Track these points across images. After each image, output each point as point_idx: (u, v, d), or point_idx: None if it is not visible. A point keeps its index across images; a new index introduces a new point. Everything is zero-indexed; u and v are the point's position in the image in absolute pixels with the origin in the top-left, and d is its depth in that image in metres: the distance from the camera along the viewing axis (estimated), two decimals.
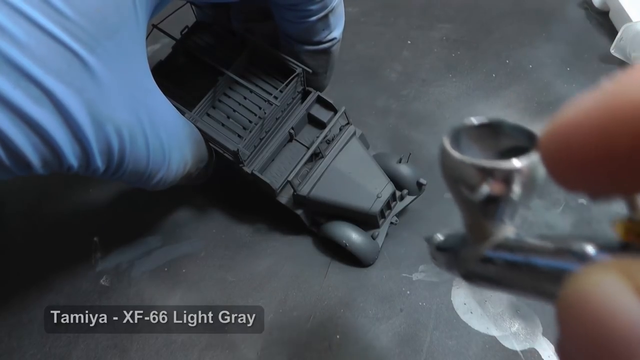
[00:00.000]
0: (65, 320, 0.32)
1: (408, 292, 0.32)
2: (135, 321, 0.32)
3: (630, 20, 0.42)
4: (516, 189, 0.12)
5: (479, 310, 0.31)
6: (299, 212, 0.33)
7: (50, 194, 0.37)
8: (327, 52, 0.31)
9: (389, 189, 0.31)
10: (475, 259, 0.14)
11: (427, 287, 0.32)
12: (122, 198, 0.37)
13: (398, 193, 0.33)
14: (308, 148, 0.32)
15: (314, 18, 0.28)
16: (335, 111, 0.33)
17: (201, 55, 0.30)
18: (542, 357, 0.29)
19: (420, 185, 0.33)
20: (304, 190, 0.31)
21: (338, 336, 0.30)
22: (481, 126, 0.13)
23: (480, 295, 0.32)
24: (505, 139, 0.13)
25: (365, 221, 0.32)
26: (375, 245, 0.33)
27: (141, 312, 0.32)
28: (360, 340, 0.30)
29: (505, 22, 0.47)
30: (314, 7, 0.27)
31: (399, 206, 0.33)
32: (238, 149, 0.28)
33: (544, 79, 0.43)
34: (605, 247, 0.10)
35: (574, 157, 0.09)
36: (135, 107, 0.21)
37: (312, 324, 0.31)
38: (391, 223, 0.33)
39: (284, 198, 0.32)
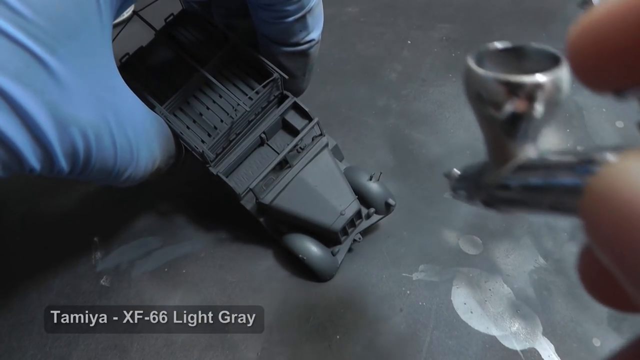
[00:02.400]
0: (65, 320, 0.32)
1: (408, 292, 0.32)
2: (135, 321, 0.32)
3: None
4: (539, 106, 0.12)
5: (479, 310, 0.31)
6: (261, 219, 0.32)
7: (50, 194, 0.37)
8: (305, 54, 0.31)
9: (353, 206, 0.31)
10: (497, 181, 0.14)
11: (427, 287, 0.32)
12: (122, 198, 0.37)
13: (365, 211, 0.32)
14: (278, 154, 0.31)
15: (290, 19, 0.27)
16: (311, 119, 0.32)
17: (180, 49, 0.30)
18: (542, 356, 0.29)
19: (388, 206, 0.33)
20: (267, 198, 0.31)
21: (338, 336, 0.30)
22: (505, 50, 0.13)
23: (480, 295, 0.32)
24: (529, 62, 0.13)
25: (327, 236, 0.32)
26: (335, 261, 0.32)
27: (141, 312, 0.32)
28: (360, 340, 0.30)
29: (505, 22, 0.47)
30: (290, 8, 0.27)
31: (364, 224, 0.33)
32: (203, 150, 0.28)
33: None
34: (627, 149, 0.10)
35: (603, 49, 0.09)
36: (100, 107, 0.21)
37: (312, 324, 0.31)
38: (354, 240, 0.33)
39: (249, 203, 0.31)
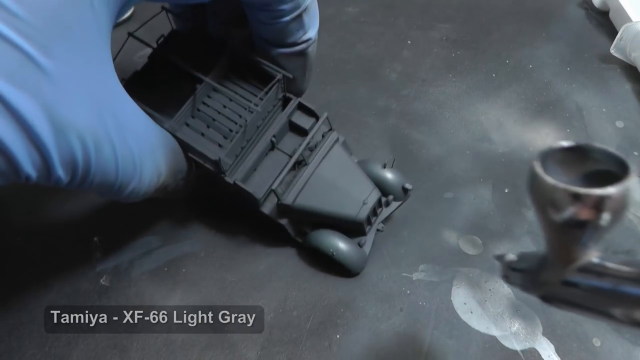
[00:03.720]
0: (65, 320, 0.32)
1: (408, 292, 0.32)
2: (135, 321, 0.32)
3: (630, 20, 0.42)
4: (606, 215, 0.12)
5: (479, 310, 0.31)
6: (283, 221, 0.32)
7: (51, 194, 0.37)
8: (303, 53, 0.31)
9: (375, 194, 0.31)
10: (557, 281, 0.14)
11: (427, 286, 0.32)
12: None
13: (384, 199, 0.32)
14: (290, 156, 0.31)
15: (287, 18, 0.27)
16: (317, 117, 0.32)
17: (179, 61, 0.29)
18: (542, 356, 0.29)
19: (405, 190, 0.33)
20: (288, 199, 0.30)
21: (338, 336, 0.30)
22: (568, 149, 0.13)
23: (480, 295, 0.32)
24: (592, 162, 0.13)
25: (352, 229, 0.32)
26: (363, 253, 0.32)
27: (141, 312, 0.32)
28: (360, 340, 0.30)
29: (505, 22, 0.47)
30: (286, 7, 0.27)
31: (384, 212, 0.33)
32: (220, 158, 0.28)
33: (544, 78, 0.43)
34: None
35: None
36: (99, 112, 0.20)
37: (312, 324, 0.31)
38: (377, 230, 0.33)
39: (267, 208, 0.31)
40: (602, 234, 0.13)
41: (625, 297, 0.11)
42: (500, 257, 0.18)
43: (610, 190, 0.12)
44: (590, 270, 0.13)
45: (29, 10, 0.16)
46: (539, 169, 0.13)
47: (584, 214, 0.12)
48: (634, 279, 0.11)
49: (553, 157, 0.13)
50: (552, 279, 0.14)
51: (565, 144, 0.13)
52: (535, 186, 0.13)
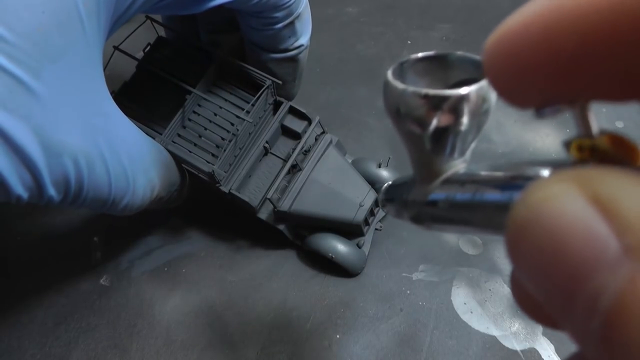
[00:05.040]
0: (65, 320, 0.32)
1: (408, 292, 0.32)
2: (135, 321, 0.32)
3: None
4: (464, 119, 0.11)
5: (479, 310, 0.31)
6: (281, 227, 0.32)
7: None
8: (294, 59, 0.31)
9: (371, 196, 0.31)
10: (423, 199, 0.13)
11: (427, 286, 0.32)
12: None
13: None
14: (285, 161, 0.31)
15: (279, 25, 0.27)
16: (309, 120, 0.32)
17: (166, 74, 0.29)
18: (542, 356, 0.29)
19: None
20: (284, 205, 0.31)
21: (338, 336, 0.30)
22: (428, 59, 0.12)
23: (480, 295, 0.32)
24: (454, 71, 0.12)
25: (350, 231, 0.32)
26: (362, 253, 0.32)
27: (141, 311, 0.32)
28: (360, 340, 0.30)
29: None
30: (279, 14, 0.27)
31: (382, 212, 0.33)
32: (213, 170, 0.28)
33: None
34: (560, 168, 0.09)
35: (519, 63, 0.09)
36: (91, 133, 0.20)
37: (312, 324, 0.31)
38: (376, 229, 0.33)
39: (264, 214, 0.31)
40: (465, 141, 0.12)
41: (481, 204, 0.11)
42: (377, 188, 0.18)
43: (464, 90, 0.11)
44: (455, 181, 0.12)
45: (18, 35, 0.16)
46: (390, 77, 0.12)
47: (440, 119, 0.11)
48: (491, 183, 0.10)
49: (413, 69, 0.13)
50: (418, 198, 0.13)
51: (422, 54, 0.12)
52: (387, 94, 0.12)
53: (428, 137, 0.12)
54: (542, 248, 0.08)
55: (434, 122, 0.11)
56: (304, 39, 0.30)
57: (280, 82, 0.30)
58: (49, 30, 0.17)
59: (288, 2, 0.26)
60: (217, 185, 0.29)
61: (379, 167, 0.33)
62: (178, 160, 0.29)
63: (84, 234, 0.35)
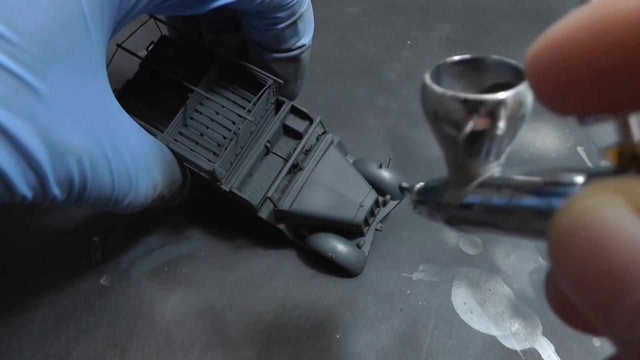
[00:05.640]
0: (65, 319, 0.32)
1: (408, 292, 0.32)
2: (135, 321, 0.32)
3: None
4: (501, 123, 0.11)
5: (479, 310, 0.31)
6: (281, 226, 0.32)
7: None
8: (296, 59, 0.31)
9: (371, 196, 0.31)
10: (458, 202, 0.13)
11: (427, 286, 0.32)
12: None
13: (381, 199, 0.32)
14: (286, 160, 0.31)
15: (282, 25, 0.27)
16: (311, 120, 0.32)
17: (169, 73, 0.29)
18: (542, 356, 0.29)
19: (402, 189, 0.33)
20: (284, 205, 0.31)
21: (338, 336, 0.30)
22: (464, 62, 0.13)
23: (480, 295, 0.32)
24: (490, 75, 0.12)
25: (350, 231, 0.32)
26: (362, 254, 0.32)
27: (141, 311, 0.32)
28: (360, 340, 0.30)
29: (505, 22, 0.47)
30: (281, 15, 0.27)
31: (382, 212, 0.33)
32: (214, 169, 0.28)
33: None
34: (597, 175, 0.09)
35: (562, 73, 0.09)
36: (95, 132, 0.20)
37: (312, 324, 0.31)
38: (376, 230, 0.33)
39: (264, 213, 0.31)
40: (500, 145, 0.12)
41: (517, 209, 0.11)
42: (409, 188, 0.18)
43: (502, 95, 0.11)
44: (491, 185, 0.12)
45: (23, 36, 0.17)
46: (428, 80, 0.12)
47: (477, 123, 0.11)
48: (527, 188, 0.11)
49: (449, 72, 0.13)
50: (453, 201, 0.13)
51: (458, 57, 0.13)
52: (425, 98, 0.12)
53: (464, 140, 0.12)
54: (586, 257, 0.08)
55: (471, 126, 0.11)
56: (306, 39, 0.30)
57: (282, 81, 0.30)
58: (53, 31, 0.17)
59: (290, 2, 0.26)
60: (218, 183, 0.29)
61: (380, 167, 0.33)
62: (179, 158, 0.29)
63: (84, 234, 0.35)
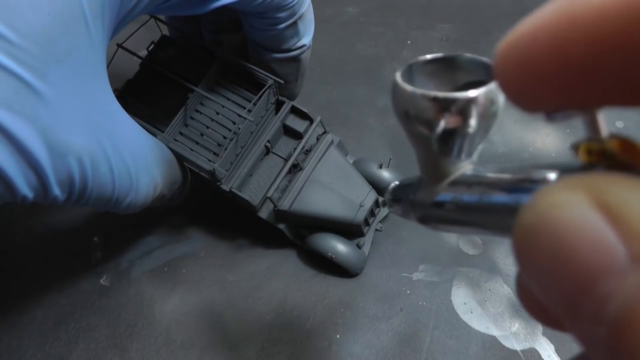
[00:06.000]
0: (65, 319, 0.32)
1: (408, 292, 0.32)
2: (135, 321, 0.32)
3: None
4: (472, 121, 0.11)
5: (479, 310, 0.31)
6: (282, 226, 0.32)
7: None
8: (296, 59, 0.31)
9: (371, 196, 0.31)
10: (430, 200, 0.13)
11: (427, 286, 0.32)
12: None
13: (381, 199, 0.32)
14: (286, 160, 0.31)
15: (282, 25, 0.27)
16: (311, 120, 0.32)
17: (169, 73, 0.29)
18: (542, 356, 0.29)
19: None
20: (284, 204, 0.31)
21: (338, 336, 0.30)
22: (436, 61, 0.13)
23: (480, 295, 0.32)
24: (462, 73, 0.12)
25: (350, 231, 0.32)
26: (362, 254, 0.32)
27: (141, 311, 0.32)
28: (360, 340, 0.30)
29: (505, 22, 0.47)
30: (282, 15, 0.27)
31: (382, 212, 0.33)
32: (214, 168, 0.28)
33: None
34: (568, 172, 0.09)
35: (531, 69, 0.09)
36: (96, 132, 0.20)
37: (312, 324, 0.31)
38: (376, 230, 0.33)
39: (264, 213, 0.31)
40: (472, 143, 0.12)
41: (488, 206, 0.11)
42: (385, 187, 0.18)
43: (472, 93, 0.11)
44: (462, 183, 0.12)
45: (24, 37, 0.17)
46: (399, 79, 0.12)
47: (449, 121, 0.11)
48: (498, 185, 0.11)
49: (421, 71, 0.13)
50: (426, 199, 0.13)
51: (430, 56, 0.13)
52: (396, 96, 0.12)
53: (436, 138, 0.12)
54: (550, 254, 0.08)
55: (442, 124, 0.11)
56: (306, 39, 0.30)
57: (282, 81, 0.30)
58: (55, 32, 0.17)
59: (291, 2, 0.26)
60: (218, 183, 0.29)
61: (380, 167, 0.33)
62: (180, 158, 0.29)
63: (84, 234, 0.35)
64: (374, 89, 0.43)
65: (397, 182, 0.17)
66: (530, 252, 0.08)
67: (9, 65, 0.16)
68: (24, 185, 0.18)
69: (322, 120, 0.32)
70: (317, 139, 0.32)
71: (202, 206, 0.37)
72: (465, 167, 0.13)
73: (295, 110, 0.32)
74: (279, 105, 0.32)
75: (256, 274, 0.33)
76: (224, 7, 0.25)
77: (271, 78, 0.30)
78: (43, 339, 0.31)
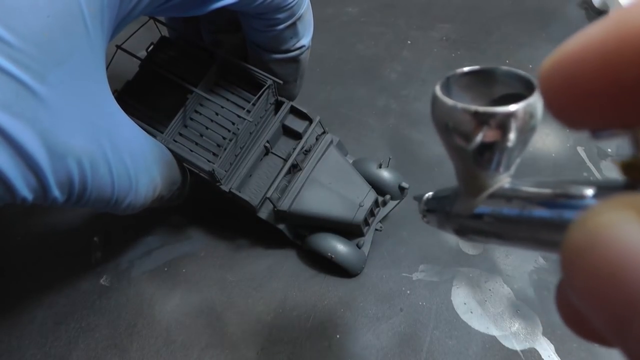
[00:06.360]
0: (65, 319, 0.32)
1: (408, 292, 0.32)
2: (135, 321, 0.32)
3: None
4: (511, 135, 0.11)
5: (479, 310, 0.31)
6: (281, 226, 0.32)
7: None
8: (296, 60, 0.31)
9: (371, 196, 0.31)
10: (468, 212, 0.13)
11: (427, 286, 0.32)
12: None
13: (380, 199, 0.32)
14: (285, 160, 0.31)
15: (281, 26, 0.28)
16: (310, 120, 0.32)
17: (169, 74, 0.29)
18: (542, 356, 0.29)
19: (402, 189, 0.33)
20: (284, 205, 0.31)
21: (338, 336, 0.30)
22: (473, 73, 0.13)
23: (480, 295, 0.32)
24: (499, 86, 0.13)
25: (350, 231, 0.32)
26: (362, 254, 0.32)
27: (141, 311, 0.32)
28: (360, 340, 0.30)
29: (505, 22, 0.47)
30: (281, 16, 0.27)
31: (382, 212, 0.33)
32: (213, 169, 0.28)
33: None
34: (607, 189, 0.09)
35: (577, 88, 0.09)
36: (95, 134, 0.20)
37: (312, 324, 0.31)
38: (376, 230, 0.33)
39: (264, 213, 0.31)
40: (511, 156, 0.12)
41: (528, 220, 0.11)
42: (419, 197, 0.18)
43: (512, 107, 0.11)
44: (501, 196, 0.12)
45: (24, 40, 0.17)
46: (438, 92, 0.12)
47: (487, 135, 0.11)
48: (538, 200, 0.11)
49: (458, 83, 0.13)
50: (463, 211, 0.14)
51: (467, 68, 0.13)
52: (436, 110, 0.12)
53: (475, 151, 0.12)
54: (600, 273, 0.08)
55: (482, 138, 0.11)
56: (305, 40, 0.30)
57: (281, 82, 0.30)
58: (54, 34, 0.17)
59: (290, 3, 0.26)
60: (218, 184, 0.29)
61: (380, 167, 0.33)
62: (179, 159, 0.29)
63: (84, 234, 0.35)
64: (374, 89, 0.43)
65: (431, 193, 0.17)
66: (580, 270, 0.08)
67: (8, 68, 0.16)
68: (23, 187, 0.18)
69: (321, 120, 0.32)
70: (317, 139, 0.32)
71: (202, 206, 0.37)
72: (504, 181, 0.13)
73: (294, 111, 0.32)
74: (278, 105, 0.32)
75: (256, 274, 0.33)
76: (223, 8, 0.25)
77: (270, 78, 0.30)
78: (43, 339, 0.31)
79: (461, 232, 0.14)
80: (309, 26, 0.30)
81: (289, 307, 0.32)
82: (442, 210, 0.15)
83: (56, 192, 0.19)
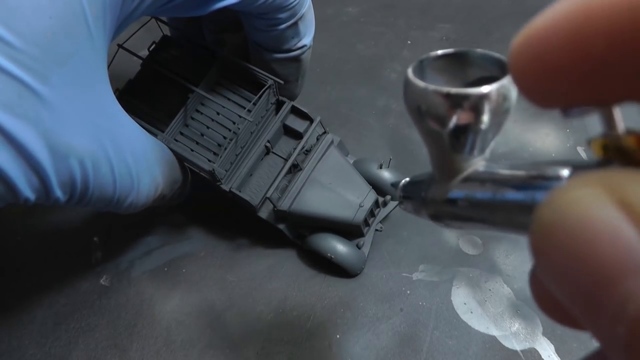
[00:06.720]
0: (65, 319, 0.32)
1: (408, 292, 0.32)
2: (135, 321, 0.32)
3: None
4: (485, 117, 0.11)
5: (479, 310, 0.31)
6: (282, 226, 0.32)
7: None
8: (297, 59, 0.31)
9: (371, 196, 0.31)
10: (442, 197, 0.13)
11: (427, 286, 0.32)
12: None
13: (381, 199, 0.32)
14: (286, 160, 0.31)
15: (283, 26, 0.28)
16: (311, 120, 0.32)
17: (170, 73, 0.29)
18: (542, 356, 0.29)
19: (394, 186, 0.33)
20: (284, 205, 0.31)
21: (338, 336, 0.30)
22: (447, 56, 0.12)
23: (480, 295, 0.32)
24: (474, 69, 0.12)
25: (350, 231, 0.32)
26: (362, 254, 0.32)
27: (141, 311, 0.32)
28: (360, 340, 0.30)
29: (505, 22, 0.47)
30: (283, 15, 0.27)
31: (382, 212, 0.33)
32: (214, 169, 0.28)
33: None
34: (581, 168, 0.09)
35: (547, 64, 0.09)
36: (97, 134, 0.20)
37: (312, 324, 0.31)
38: (376, 230, 0.33)
39: (264, 213, 0.31)
40: (485, 139, 0.12)
41: (501, 203, 0.11)
42: (395, 184, 0.18)
43: (485, 89, 0.11)
44: (475, 179, 0.12)
45: (26, 41, 0.17)
46: (410, 75, 0.12)
47: (461, 117, 0.11)
48: (512, 182, 0.11)
49: (432, 67, 0.13)
50: (438, 196, 0.13)
51: (441, 51, 0.12)
52: (408, 93, 0.12)
53: (448, 134, 0.12)
54: (569, 252, 0.08)
55: (455, 120, 0.11)
56: (307, 40, 0.30)
57: (282, 81, 0.30)
58: (57, 35, 0.18)
59: (292, 3, 0.26)
60: (218, 183, 0.29)
61: (380, 167, 0.33)
62: (180, 158, 0.29)
63: (84, 234, 0.35)
64: (374, 89, 0.43)
65: (408, 179, 0.17)
66: (549, 250, 0.08)
67: (11, 69, 0.16)
68: (26, 187, 0.18)
69: (322, 120, 0.32)
70: (317, 139, 0.32)
71: (202, 206, 0.37)
72: (478, 164, 0.13)
73: (295, 110, 0.32)
74: (279, 105, 0.32)
75: (256, 274, 0.33)
76: (225, 8, 0.25)
77: (271, 78, 0.30)
78: (43, 339, 0.31)
79: (437, 217, 0.14)
80: (310, 26, 0.30)
81: (289, 307, 0.32)
82: (417, 196, 0.15)
83: (58, 192, 0.19)
